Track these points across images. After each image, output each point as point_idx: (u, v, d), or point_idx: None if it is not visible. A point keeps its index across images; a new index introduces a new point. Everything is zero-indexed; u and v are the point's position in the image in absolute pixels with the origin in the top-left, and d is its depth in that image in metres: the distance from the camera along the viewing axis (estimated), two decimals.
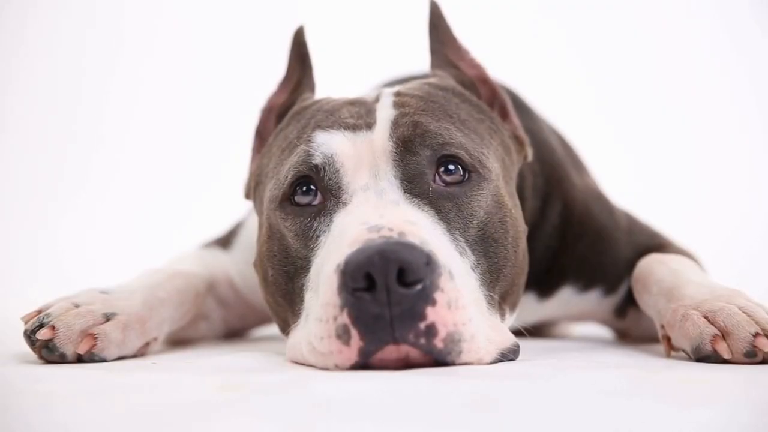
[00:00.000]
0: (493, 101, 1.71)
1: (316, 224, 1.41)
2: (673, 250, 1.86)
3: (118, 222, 4.03)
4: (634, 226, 1.95)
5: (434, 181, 1.42)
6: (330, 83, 1.81)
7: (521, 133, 1.71)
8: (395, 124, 1.45)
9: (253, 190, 1.68)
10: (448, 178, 1.42)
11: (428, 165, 1.42)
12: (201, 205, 3.81)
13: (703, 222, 3.74)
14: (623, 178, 3.44)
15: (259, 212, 1.62)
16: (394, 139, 1.43)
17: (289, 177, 1.45)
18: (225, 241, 2.07)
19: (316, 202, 1.43)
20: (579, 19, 4.33)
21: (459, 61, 1.74)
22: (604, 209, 1.92)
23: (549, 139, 1.94)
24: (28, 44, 4.14)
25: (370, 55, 3.85)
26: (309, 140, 1.48)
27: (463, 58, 1.74)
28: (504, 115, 1.71)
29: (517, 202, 1.59)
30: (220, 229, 2.16)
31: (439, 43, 1.75)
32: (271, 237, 1.49)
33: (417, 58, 1.98)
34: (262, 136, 1.77)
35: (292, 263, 1.43)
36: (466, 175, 1.43)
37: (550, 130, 2.02)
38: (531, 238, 1.63)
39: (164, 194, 4.09)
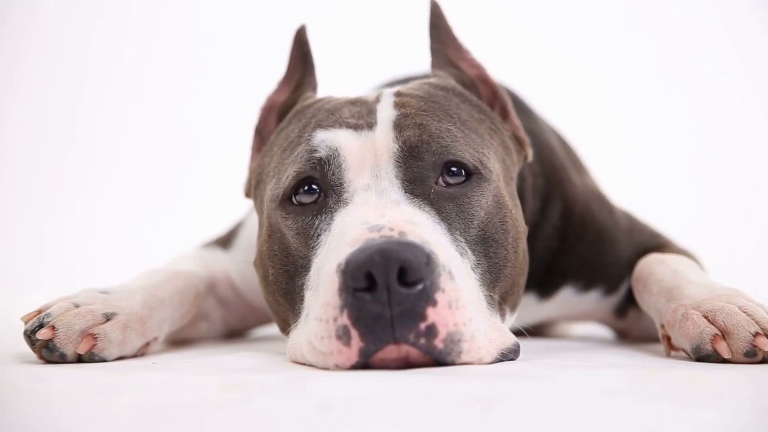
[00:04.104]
0: (493, 101, 1.71)
1: (317, 222, 1.41)
2: (673, 250, 1.86)
3: (120, 222, 4.03)
4: (634, 226, 1.95)
5: (436, 183, 1.42)
6: (330, 83, 1.81)
7: (522, 133, 1.71)
8: (398, 125, 1.45)
9: (254, 188, 1.68)
10: (449, 180, 1.42)
11: (432, 169, 1.42)
12: (202, 205, 3.81)
13: (704, 222, 3.74)
14: (625, 178, 3.44)
15: (260, 211, 1.62)
16: (400, 143, 1.43)
17: (291, 176, 1.45)
18: (225, 241, 2.07)
19: (317, 201, 1.43)
20: (580, 18, 4.33)
21: (459, 60, 1.74)
22: (605, 209, 1.92)
23: (549, 140, 1.94)
24: (31, 45, 4.15)
25: (370, 55, 3.85)
26: (310, 139, 1.48)
27: (464, 58, 1.74)
28: (504, 115, 1.71)
29: (518, 202, 1.59)
30: (221, 229, 2.16)
31: (440, 42, 1.75)
32: (271, 236, 1.49)
33: (417, 58, 1.98)
34: (261, 134, 1.77)
35: (292, 262, 1.43)
36: (468, 177, 1.44)
37: (550, 131, 2.02)
38: (531, 239, 1.63)
39: (166, 194, 4.09)
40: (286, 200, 1.46)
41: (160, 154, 4.20)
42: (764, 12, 4.14)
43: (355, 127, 1.47)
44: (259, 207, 1.64)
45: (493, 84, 1.72)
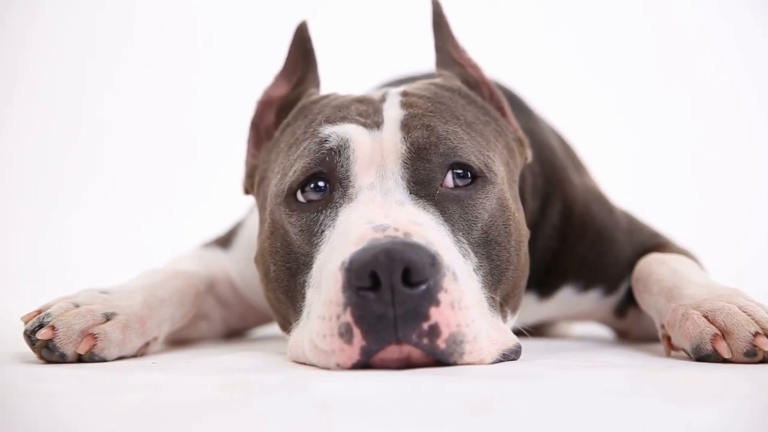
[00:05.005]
0: (491, 101, 1.71)
1: (321, 218, 1.41)
2: (673, 250, 1.86)
3: (120, 222, 4.03)
4: (634, 226, 1.95)
5: (441, 184, 1.41)
6: (330, 81, 1.80)
7: (520, 134, 1.71)
8: (405, 125, 1.45)
9: (257, 185, 1.67)
10: (454, 182, 1.42)
11: (438, 171, 1.41)
12: (202, 205, 3.81)
13: (704, 222, 3.74)
14: (625, 178, 3.44)
15: (262, 207, 1.61)
16: (408, 144, 1.42)
17: (299, 171, 1.44)
18: (225, 241, 2.06)
19: (322, 197, 1.43)
20: (580, 18, 4.33)
21: (460, 59, 1.73)
22: (604, 209, 1.92)
23: (549, 140, 1.94)
24: (31, 45, 4.15)
25: (370, 55, 3.85)
26: (318, 132, 1.47)
27: (461, 57, 1.74)
28: (501, 115, 1.70)
29: (520, 205, 1.59)
30: (221, 229, 2.16)
31: (442, 41, 1.75)
32: (274, 233, 1.49)
33: (417, 57, 1.98)
34: (258, 128, 1.76)
35: (294, 259, 1.43)
36: (473, 179, 1.44)
37: (549, 131, 2.01)
38: (531, 239, 1.62)
39: (166, 194, 4.09)
40: (291, 196, 1.45)
41: (160, 154, 4.20)
42: (764, 12, 4.14)
43: (364, 125, 1.47)
44: (261, 203, 1.63)
45: (490, 84, 1.72)
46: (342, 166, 1.42)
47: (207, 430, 0.93)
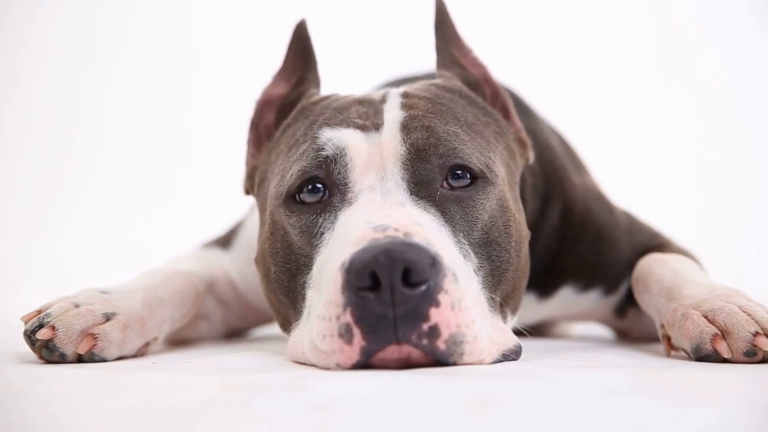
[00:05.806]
0: (495, 101, 1.71)
1: (320, 220, 1.41)
2: (673, 250, 1.86)
3: (120, 222, 4.03)
4: (634, 225, 1.95)
5: (441, 186, 1.42)
6: (331, 81, 1.80)
7: (523, 135, 1.71)
8: (405, 127, 1.45)
9: (258, 186, 1.67)
10: (455, 183, 1.42)
11: (438, 172, 1.42)
12: (202, 205, 3.81)
13: (704, 222, 3.74)
14: (625, 178, 3.44)
15: (262, 208, 1.61)
16: (407, 145, 1.42)
17: (296, 174, 1.45)
18: (225, 241, 2.06)
19: (321, 200, 1.43)
20: (581, 18, 4.33)
21: (463, 60, 1.73)
22: (604, 209, 1.92)
23: (549, 140, 1.94)
24: (31, 45, 4.15)
25: (370, 55, 3.85)
26: (317, 137, 1.47)
27: (467, 57, 1.73)
28: (506, 116, 1.70)
29: (521, 206, 1.59)
30: (221, 229, 2.16)
31: (445, 41, 1.74)
32: (274, 234, 1.49)
33: (418, 56, 1.98)
34: (257, 128, 1.76)
35: (294, 260, 1.43)
36: (473, 180, 1.44)
37: (550, 131, 2.01)
38: (531, 239, 1.63)
39: (166, 195, 4.09)
40: (290, 198, 1.46)
41: (160, 155, 4.20)
42: (764, 12, 4.14)
43: (363, 128, 1.47)
44: (261, 204, 1.63)
45: (495, 84, 1.72)
46: (339, 173, 1.42)
47: (207, 430, 0.93)
